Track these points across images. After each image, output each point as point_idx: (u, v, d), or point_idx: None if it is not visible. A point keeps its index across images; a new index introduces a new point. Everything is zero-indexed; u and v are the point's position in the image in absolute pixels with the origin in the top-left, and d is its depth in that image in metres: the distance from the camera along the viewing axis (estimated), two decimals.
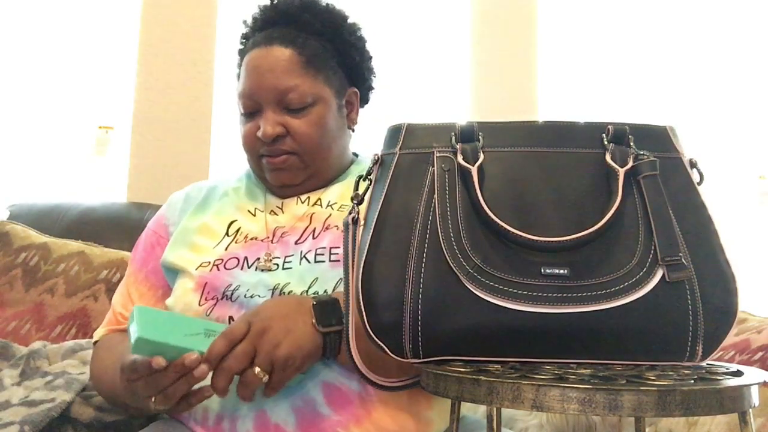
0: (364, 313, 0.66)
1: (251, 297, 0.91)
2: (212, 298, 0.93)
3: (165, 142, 1.96)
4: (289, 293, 0.90)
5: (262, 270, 0.94)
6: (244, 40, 1.08)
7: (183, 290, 0.96)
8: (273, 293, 0.91)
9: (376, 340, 0.67)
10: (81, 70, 2.03)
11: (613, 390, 0.53)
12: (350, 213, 0.72)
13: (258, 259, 0.95)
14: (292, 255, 0.94)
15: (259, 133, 0.97)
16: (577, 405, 0.53)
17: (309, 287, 0.90)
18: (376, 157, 0.74)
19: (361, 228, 0.71)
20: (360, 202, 0.73)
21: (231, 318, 0.91)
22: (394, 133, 0.74)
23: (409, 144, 0.72)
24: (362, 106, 1.10)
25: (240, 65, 1.04)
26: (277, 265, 0.94)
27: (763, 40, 2.37)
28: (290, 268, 0.93)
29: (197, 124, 1.98)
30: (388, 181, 0.71)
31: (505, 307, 0.64)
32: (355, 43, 1.07)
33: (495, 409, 0.58)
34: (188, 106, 1.98)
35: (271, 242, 0.97)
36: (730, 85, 2.37)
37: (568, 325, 0.64)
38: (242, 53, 1.04)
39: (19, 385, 1.17)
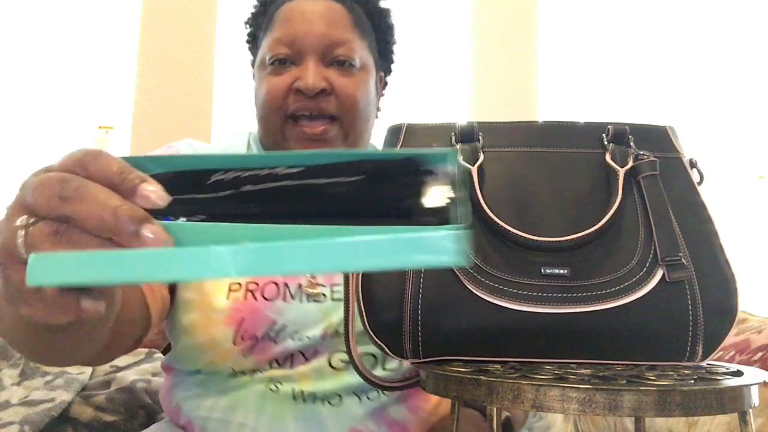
0: (364, 313, 0.66)
1: (300, 339, 0.80)
2: (250, 338, 0.79)
3: (165, 142, 1.96)
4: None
5: (308, 298, 0.81)
6: (260, 4, 0.96)
7: (208, 321, 0.80)
8: (326, 332, 0.80)
9: (376, 340, 0.67)
10: (81, 70, 2.03)
11: (613, 390, 0.53)
12: None
13: (300, 285, 0.82)
14: (340, 285, 0.82)
15: (300, 84, 0.83)
16: (577, 405, 0.53)
17: None
18: None
19: None
20: None
21: (275, 361, 0.80)
22: (394, 132, 0.74)
23: (409, 144, 0.72)
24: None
25: (268, 21, 0.90)
26: (324, 294, 0.82)
27: (763, 40, 2.37)
28: (341, 299, 0.80)
29: (197, 124, 1.98)
30: None
31: (505, 307, 0.64)
32: (391, 25, 0.98)
33: (495, 409, 0.58)
34: (188, 106, 1.98)
35: None
36: (730, 85, 2.36)
37: (568, 325, 0.64)
38: (271, 9, 0.91)
39: (18, 385, 1.17)
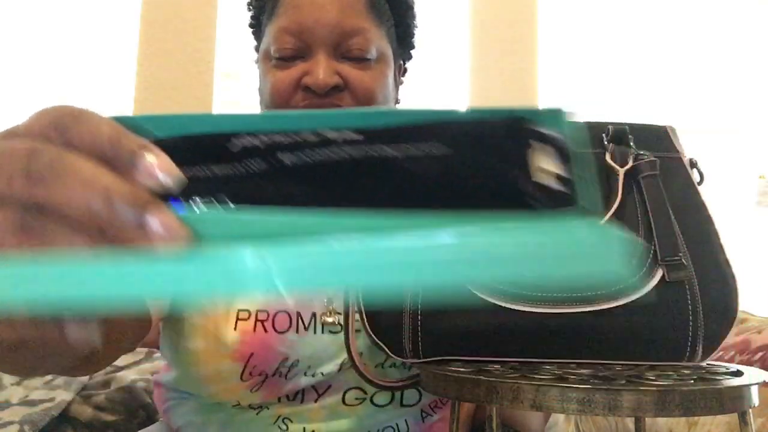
0: (363, 314, 0.66)
1: (313, 376, 0.74)
2: (259, 374, 0.73)
3: None
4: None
5: (323, 328, 0.74)
6: None
7: (215, 352, 0.73)
8: (342, 366, 0.74)
9: (376, 340, 0.67)
10: (81, 70, 2.03)
11: (613, 390, 0.53)
12: None
13: (314, 314, 0.74)
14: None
15: (308, 80, 0.75)
16: (576, 405, 0.53)
17: (385, 359, 0.74)
18: None
19: None
20: None
21: (286, 397, 0.74)
22: None
23: None
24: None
25: (270, 2, 0.81)
26: (340, 325, 0.73)
27: (764, 40, 2.37)
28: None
29: None
30: None
31: (504, 307, 0.64)
32: (411, 6, 0.88)
33: (495, 408, 0.58)
34: (188, 105, 1.98)
35: None
36: (730, 85, 2.36)
37: (568, 325, 0.64)
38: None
39: (18, 385, 1.17)
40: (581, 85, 2.33)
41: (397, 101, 0.89)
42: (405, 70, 0.92)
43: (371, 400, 0.75)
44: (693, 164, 0.72)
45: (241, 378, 0.72)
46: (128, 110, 1.95)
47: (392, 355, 0.67)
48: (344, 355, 0.72)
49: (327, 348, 0.74)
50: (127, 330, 0.66)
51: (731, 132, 2.35)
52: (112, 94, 2.01)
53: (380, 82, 0.78)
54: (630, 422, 1.13)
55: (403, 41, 0.88)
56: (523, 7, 2.27)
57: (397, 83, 0.88)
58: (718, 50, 2.36)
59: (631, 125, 0.72)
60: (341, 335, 0.71)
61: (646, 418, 0.90)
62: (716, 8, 2.37)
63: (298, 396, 0.74)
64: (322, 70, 0.74)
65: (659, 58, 2.35)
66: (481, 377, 0.58)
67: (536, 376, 0.57)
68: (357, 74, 0.77)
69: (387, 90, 0.80)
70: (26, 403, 1.10)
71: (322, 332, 0.74)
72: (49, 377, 1.17)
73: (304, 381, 0.74)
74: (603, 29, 2.35)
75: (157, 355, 1.36)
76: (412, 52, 0.91)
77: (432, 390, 0.63)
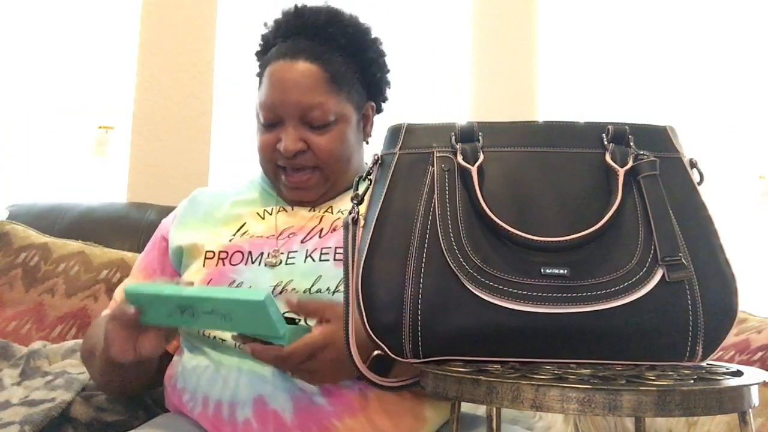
0: (363, 314, 0.67)
1: None
2: None
3: (165, 142, 1.96)
4: (292, 290, 0.92)
5: (265, 265, 0.95)
6: (263, 44, 1.08)
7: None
8: (274, 290, 0.93)
9: (376, 340, 0.67)
10: (81, 71, 2.03)
11: (613, 390, 0.54)
12: (350, 213, 0.72)
13: (262, 254, 0.97)
14: (296, 252, 0.96)
15: (280, 147, 0.98)
16: (576, 405, 0.53)
17: (312, 285, 0.92)
18: (376, 157, 0.74)
19: (361, 228, 0.71)
20: (360, 202, 0.73)
21: None
22: (394, 133, 0.74)
23: (409, 144, 0.73)
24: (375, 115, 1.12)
25: (262, 73, 1.04)
26: (281, 261, 0.95)
27: (763, 40, 2.37)
28: (293, 263, 0.94)
29: (197, 124, 1.98)
30: (388, 181, 0.71)
31: (504, 307, 0.64)
32: (376, 60, 1.07)
33: (495, 409, 0.58)
34: (188, 106, 1.98)
35: (277, 239, 0.98)
36: (730, 85, 2.36)
37: (568, 325, 0.64)
38: (264, 61, 1.04)
39: (19, 385, 1.17)
40: (581, 85, 2.33)
41: (368, 135, 1.09)
42: (383, 102, 1.11)
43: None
44: (693, 164, 0.72)
45: None
46: (128, 110, 1.95)
47: (392, 355, 0.67)
48: (278, 280, 0.93)
49: (264, 275, 0.94)
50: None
51: (731, 132, 2.35)
52: (112, 95, 2.00)
53: (338, 140, 1.00)
54: (630, 422, 1.13)
55: (373, 86, 1.08)
56: (523, 8, 2.27)
57: (370, 123, 1.09)
58: (719, 50, 2.36)
59: (631, 125, 0.72)
60: (277, 267, 0.95)
61: (646, 418, 0.90)
62: (716, 8, 2.37)
63: None
64: (289, 140, 0.98)
65: (659, 58, 2.35)
66: (481, 377, 0.58)
67: (536, 376, 0.57)
68: (317, 139, 0.99)
69: (346, 143, 1.01)
70: (26, 403, 1.10)
71: (264, 266, 0.96)
72: (49, 377, 1.17)
73: None
74: (603, 29, 2.35)
75: None
76: (388, 89, 1.11)
77: (432, 390, 0.63)
